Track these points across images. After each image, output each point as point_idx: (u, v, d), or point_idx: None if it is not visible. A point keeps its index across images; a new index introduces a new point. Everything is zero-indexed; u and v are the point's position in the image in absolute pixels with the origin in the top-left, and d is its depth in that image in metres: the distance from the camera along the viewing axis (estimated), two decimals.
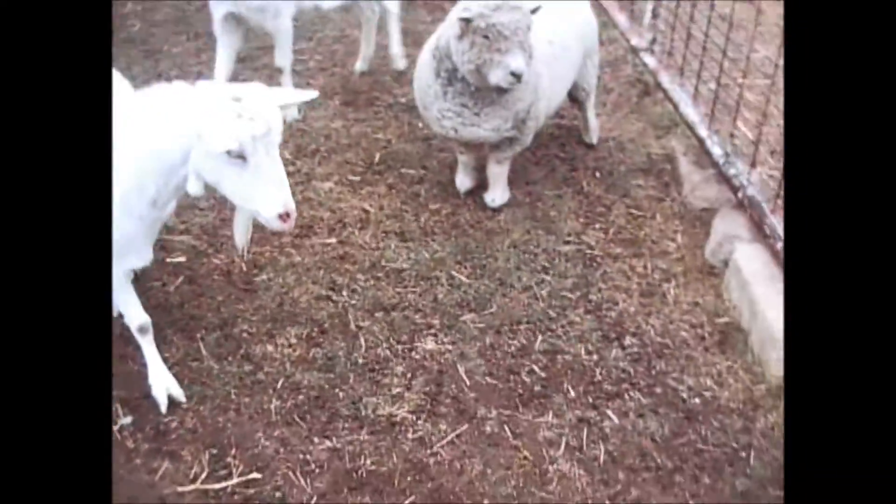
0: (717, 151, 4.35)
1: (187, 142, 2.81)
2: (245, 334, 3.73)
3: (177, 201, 3.18)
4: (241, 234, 3.18)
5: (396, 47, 5.78)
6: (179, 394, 3.42)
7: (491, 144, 4.30)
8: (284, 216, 2.81)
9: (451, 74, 4.09)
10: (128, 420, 3.33)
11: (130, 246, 3.14)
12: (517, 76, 3.86)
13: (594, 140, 5.01)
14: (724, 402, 3.48)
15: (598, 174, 4.81)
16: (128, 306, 3.35)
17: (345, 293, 3.94)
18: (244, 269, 4.06)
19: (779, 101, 4.14)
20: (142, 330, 3.37)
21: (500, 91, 4.03)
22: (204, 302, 3.87)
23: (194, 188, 2.92)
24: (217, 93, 2.81)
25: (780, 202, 3.77)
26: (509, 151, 4.37)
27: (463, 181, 4.63)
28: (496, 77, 3.89)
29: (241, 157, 2.74)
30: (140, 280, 3.73)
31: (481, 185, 4.61)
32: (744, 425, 3.39)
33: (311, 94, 3.15)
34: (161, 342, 3.53)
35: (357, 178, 4.73)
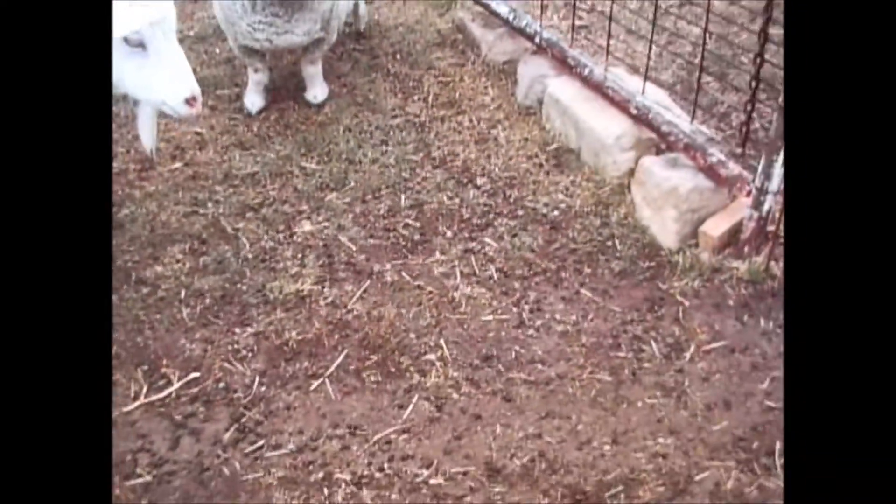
0: (503, 10, 4.81)
1: None
2: (129, 263, 3.82)
3: None
4: (147, 133, 3.24)
5: None
6: None
7: (303, 48, 4.54)
8: (191, 100, 2.89)
9: None
10: None
11: None
12: None
13: (363, 27, 5.32)
14: (578, 209, 3.98)
15: (398, 56, 5.17)
16: None
17: (210, 205, 4.11)
18: None
19: None
20: None
21: None
22: None
23: None
24: None
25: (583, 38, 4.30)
26: (319, 52, 4.63)
27: (254, 101, 4.75)
28: None
29: (141, 45, 2.80)
30: None
31: (275, 100, 4.85)
32: (601, 222, 3.91)
33: None
34: None
35: None
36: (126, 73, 2.88)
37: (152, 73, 2.87)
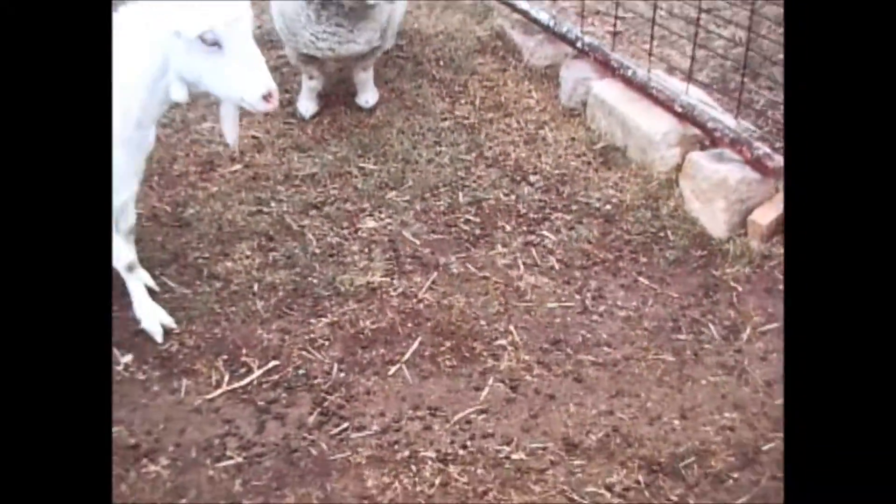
0: (543, 17, 5.02)
1: (166, 47, 2.97)
2: (200, 260, 3.98)
3: (159, 119, 3.35)
4: (230, 128, 3.37)
5: None
6: (170, 321, 3.61)
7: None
8: (268, 96, 2.99)
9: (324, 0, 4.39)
10: (128, 358, 3.50)
11: (117, 177, 3.22)
12: None
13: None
14: (629, 203, 4.18)
15: (441, 62, 5.36)
16: (114, 246, 3.46)
17: (273, 204, 4.28)
18: (168, 210, 4.31)
19: None
20: (130, 267, 3.55)
21: (371, 6, 4.39)
22: (146, 245, 4.04)
23: (179, 94, 3.08)
24: None
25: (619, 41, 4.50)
26: (372, 58, 4.82)
27: (308, 106, 4.93)
28: None
29: (217, 44, 2.91)
30: None
31: (326, 105, 5.03)
32: (652, 214, 4.11)
33: None
34: (121, 294, 3.68)
35: None
36: (204, 71, 3.00)
37: (230, 72, 2.96)
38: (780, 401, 3.26)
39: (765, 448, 3.11)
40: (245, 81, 2.97)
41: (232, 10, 2.90)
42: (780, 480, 2.98)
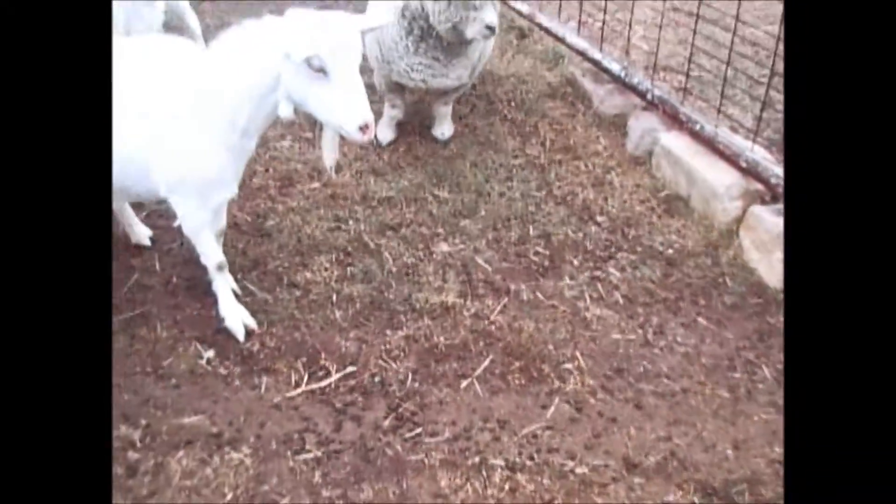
0: (614, 67, 5.29)
1: (277, 66, 3.12)
2: (280, 268, 4.21)
3: (263, 132, 3.52)
4: (328, 152, 3.53)
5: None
6: (253, 322, 3.82)
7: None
8: (364, 127, 3.11)
9: (425, 32, 4.60)
10: (211, 353, 3.71)
11: (220, 179, 3.48)
12: (492, 29, 4.39)
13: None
14: (691, 249, 4.41)
15: (513, 103, 5.64)
16: (207, 245, 3.70)
17: (351, 222, 4.53)
18: (248, 220, 4.55)
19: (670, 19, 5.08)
20: (220, 267, 3.76)
21: (467, 43, 4.61)
22: (227, 251, 4.23)
23: (285, 112, 3.23)
24: (302, 15, 3.10)
25: (686, 96, 4.76)
26: (456, 94, 5.08)
27: (386, 134, 5.20)
28: (472, 32, 4.40)
29: (323, 70, 3.03)
30: (158, 242, 4.28)
31: (402, 133, 5.30)
32: (712, 261, 4.33)
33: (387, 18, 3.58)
34: (203, 293, 3.94)
35: (310, 135, 5.29)
36: (309, 95, 3.14)
37: (332, 99, 3.09)
38: None
39: None
40: (345, 110, 3.09)
41: (341, 39, 3.04)
42: None
